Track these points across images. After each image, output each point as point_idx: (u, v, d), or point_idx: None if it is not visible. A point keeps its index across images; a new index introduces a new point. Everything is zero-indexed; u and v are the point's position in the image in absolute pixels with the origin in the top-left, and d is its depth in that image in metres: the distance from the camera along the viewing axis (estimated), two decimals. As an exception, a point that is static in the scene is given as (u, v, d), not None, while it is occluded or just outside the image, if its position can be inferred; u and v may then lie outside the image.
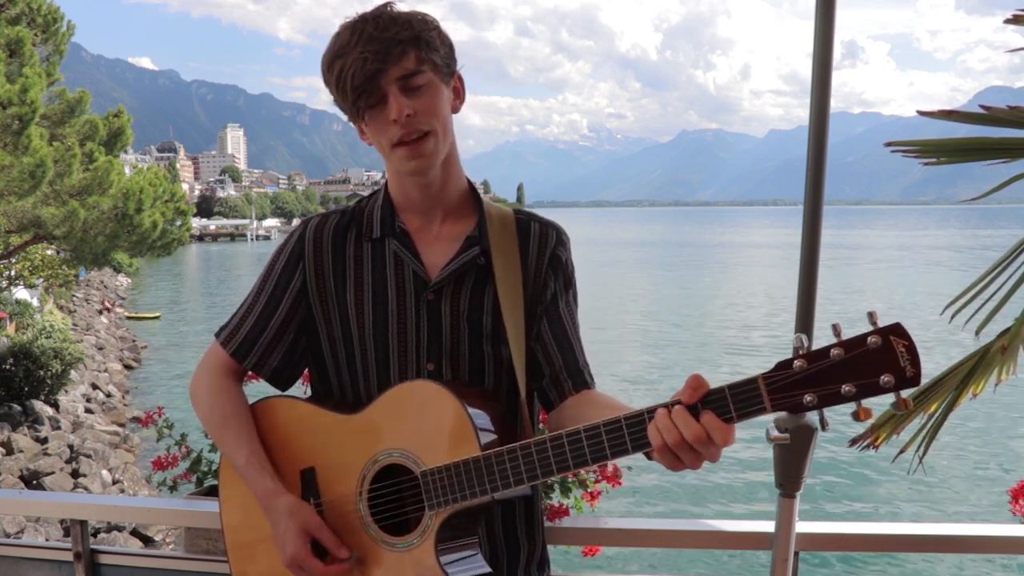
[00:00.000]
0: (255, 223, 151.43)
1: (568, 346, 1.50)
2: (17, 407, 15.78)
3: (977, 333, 2.06)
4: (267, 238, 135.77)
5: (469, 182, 1.57)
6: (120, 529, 11.06)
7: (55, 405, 16.96)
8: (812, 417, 1.53)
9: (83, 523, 2.18)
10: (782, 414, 1.08)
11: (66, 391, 17.81)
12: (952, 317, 2.08)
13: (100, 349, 25.92)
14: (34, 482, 13.03)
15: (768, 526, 1.92)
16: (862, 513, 12.24)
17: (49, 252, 23.10)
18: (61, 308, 30.22)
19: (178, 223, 21.65)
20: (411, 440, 1.37)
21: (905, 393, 1.03)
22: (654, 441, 1.13)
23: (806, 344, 1.07)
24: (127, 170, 20.79)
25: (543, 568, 1.62)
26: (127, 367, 25.08)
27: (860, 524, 2.09)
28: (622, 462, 2.27)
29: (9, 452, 14.02)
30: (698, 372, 1.14)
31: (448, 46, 1.43)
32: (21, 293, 23.87)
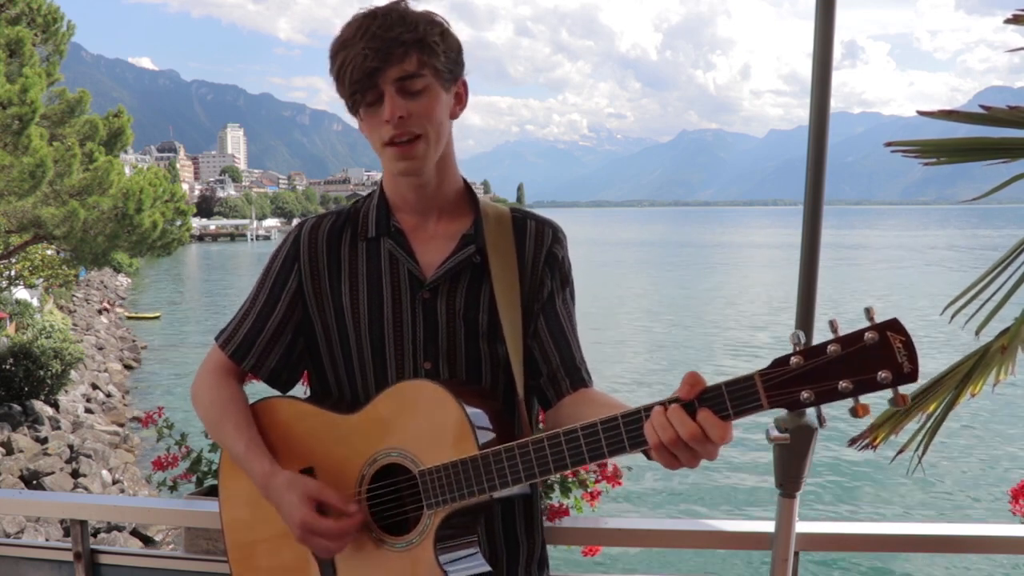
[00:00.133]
0: (255, 223, 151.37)
1: (565, 344, 1.50)
2: (17, 407, 15.78)
3: (977, 333, 2.05)
4: (267, 238, 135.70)
5: (465, 181, 1.57)
6: (120, 529, 11.06)
7: (55, 405, 16.95)
8: (811, 416, 1.53)
9: (83, 523, 2.19)
10: (782, 414, 1.07)
11: (66, 391, 17.81)
12: (952, 317, 2.07)
13: (100, 349, 25.92)
14: (34, 482, 13.03)
15: (768, 526, 1.92)
16: (862, 513, 12.24)
17: (49, 252, 23.11)
18: (61, 308, 30.21)
19: (178, 223, 21.68)
20: (409, 439, 1.37)
21: (903, 389, 1.02)
22: (650, 439, 1.13)
23: (803, 340, 1.06)
24: (127, 170, 20.81)
25: (543, 567, 1.62)
26: (127, 367, 25.08)
27: (860, 524, 2.09)
28: (622, 462, 2.28)
29: (9, 452, 14.02)
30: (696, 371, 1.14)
31: (455, 51, 1.43)
32: (21, 293, 23.87)
